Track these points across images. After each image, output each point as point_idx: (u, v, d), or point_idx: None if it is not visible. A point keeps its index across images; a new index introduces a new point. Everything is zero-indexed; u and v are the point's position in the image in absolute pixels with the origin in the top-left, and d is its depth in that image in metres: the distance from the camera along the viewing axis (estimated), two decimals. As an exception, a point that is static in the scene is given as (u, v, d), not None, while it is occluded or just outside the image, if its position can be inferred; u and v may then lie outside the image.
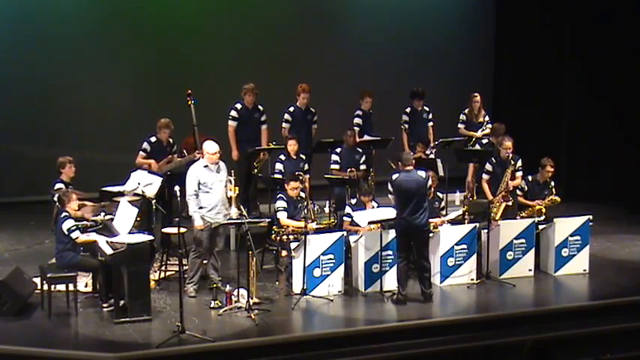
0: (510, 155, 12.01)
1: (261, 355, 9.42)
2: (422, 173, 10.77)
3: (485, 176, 12.29)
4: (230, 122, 13.01)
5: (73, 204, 10.28)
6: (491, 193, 12.03)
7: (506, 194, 11.82)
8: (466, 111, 14.03)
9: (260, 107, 13.12)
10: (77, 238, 10.09)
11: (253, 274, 10.38)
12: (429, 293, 10.65)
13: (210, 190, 10.57)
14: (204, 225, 10.56)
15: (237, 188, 11.28)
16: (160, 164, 12.22)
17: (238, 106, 13.04)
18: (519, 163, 12.11)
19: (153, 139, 12.33)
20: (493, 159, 12.26)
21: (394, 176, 10.73)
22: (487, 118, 14.03)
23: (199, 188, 10.56)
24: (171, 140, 12.43)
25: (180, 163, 12.30)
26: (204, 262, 10.81)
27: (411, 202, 10.50)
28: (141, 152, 12.30)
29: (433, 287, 10.96)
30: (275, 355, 9.46)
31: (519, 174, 12.09)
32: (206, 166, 10.61)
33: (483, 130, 13.86)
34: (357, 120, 13.53)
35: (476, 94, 14.05)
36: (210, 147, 10.64)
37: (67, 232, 10.04)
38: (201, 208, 10.56)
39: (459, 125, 13.99)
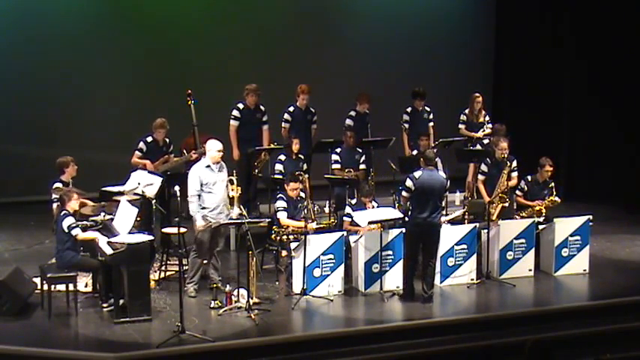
0: (506, 156, 12.02)
1: (261, 355, 9.41)
2: (442, 174, 10.79)
3: (480, 177, 12.31)
4: (232, 122, 13.02)
5: (74, 203, 10.27)
6: (487, 193, 12.04)
7: (503, 195, 11.82)
8: (466, 111, 14.02)
9: (262, 107, 13.13)
10: (77, 235, 10.08)
11: (253, 274, 10.37)
12: (430, 294, 10.64)
13: (212, 190, 10.56)
14: (206, 225, 10.55)
15: (239, 188, 11.26)
16: (155, 164, 12.22)
17: (240, 105, 13.05)
18: (514, 164, 12.12)
19: (149, 139, 12.35)
20: (488, 160, 12.28)
21: (417, 174, 10.61)
22: (487, 119, 14.03)
23: (201, 189, 10.55)
24: (167, 140, 12.43)
25: (176, 163, 12.31)
26: (205, 262, 10.81)
27: (431, 201, 10.49)
28: (137, 152, 12.31)
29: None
30: (275, 355, 9.46)
31: (515, 174, 12.10)
32: (208, 167, 10.60)
33: (484, 130, 13.86)
34: (348, 121, 13.49)
35: (477, 94, 14.04)
36: (216, 145, 10.61)
37: (67, 230, 10.03)
38: (203, 208, 10.55)
39: (460, 125, 13.99)
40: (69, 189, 10.64)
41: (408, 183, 10.61)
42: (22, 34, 14.49)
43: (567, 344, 10.01)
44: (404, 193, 10.69)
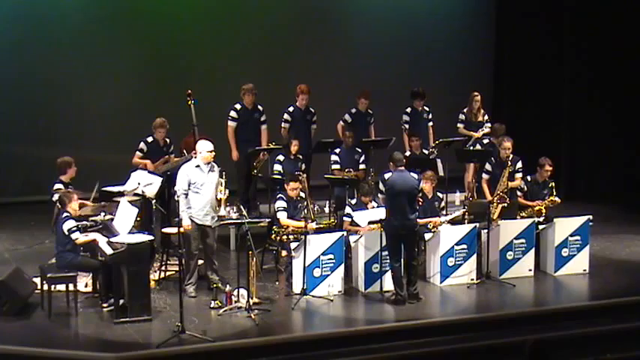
0: (510, 156, 12.02)
1: (261, 355, 9.41)
2: (414, 174, 10.70)
3: (485, 176, 12.32)
4: (229, 123, 13.03)
5: (74, 204, 10.27)
6: (491, 193, 12.04)
7: (502, 195, 11.82)
8: (465, 110, 14.03)
9: (260, 107, 13.13)
10: (77, 239, 10.08)
11: (253, 274, 10.37)
12: (413, 291, 10.59)
13: (199, 191, 10.55)
14: (192, 225, 10.54)
15: (227, 190, 11.23)
16: (156, 165, 12.23)
17: (238, 106, 13.05)
18: (519, 165, 12.12)
19: (150, 139, 12.35)
20: (493, 159, 12.29)
21: (386, 176, 10.63)
22: (486, 118, 14.03)
23: (189, 188, 10.54)
24: (167, 140, 12.44)
25: (176, 163, 12.29)
26: (200, 261, 10.80)
27: (404, 202, 10.45)
28: (137, 152, 12.31)
29: (433, 287, 10.99)
30: (275, 355, 9.46)
31: (519, 175, 12.10)
32: (197, 167, 10.59)
33: (483, 130, 13.86)
34: (346, 116, 13.55)
35: (476, 93, 14.04)
36: (206, 145, 10.62)
37: (67, 233, 10.03)
38: (189, 208, 10.55)
39: (459, 125, 13.99)
40: (69, 190, 10.64)
41: (380, 186, 10.69)
42: (22, 35, 14.50)
43: (567, 344, 10.01)
44: (380, 195, 10.74)
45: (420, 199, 11.13)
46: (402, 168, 10.64)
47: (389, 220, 10.53)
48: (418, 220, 10.74)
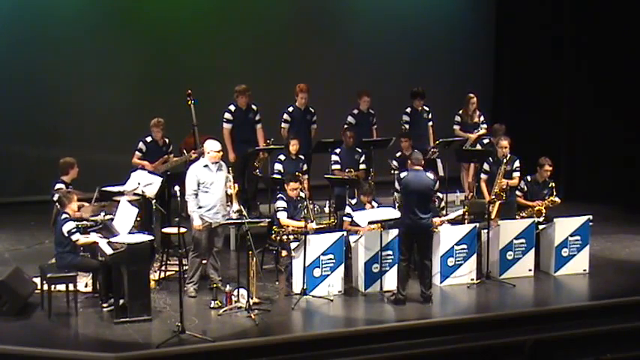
0: (507, 155, 12.02)
1: (261, 355, 9.42)
2: (430, 175, 10.74)
3: (483, 176, 12.32)
4: (225, 125, 12.99)
5: (74, 205, 10.27)
6: (489, 192, 12.04)
7: (501, 194, 11.81)
8: (460, 112, 14.00)
9: (254, 107, 13.10)
10: (77, 240, 10.08)
11: (253, 274, 10.38)
12: (429, 294, 10.64)
13: (209, 190, 10.57)
14: (203, 225, 10.55)
15: (236, 185, 11.26)
16: (155, 164, 12.22)
17: (232, 107, 13.02)
18: (517, 164, 12.11)
19: (148, 139, 12.36)
20: (490, 159, 12.29)
21: (402, 174, 10.73)
22: (482, 119, 14.01)
23: (198, 188, 10.55)
24: (166, 140, 12.44)
25: (176, 163, 12.31)
26: (204, 261, 10.82)
27: (418, 202, 10.48)
28: (137, 152, 12.32)
29: (433, 287, 10.97)
30: (275, 355, 9.47)
31: (517, 174, 12.09)
32: (206, 166, 10.61)
33: (479, 131, 13.84)
34: (349, 119, 13.53)
35: (472, 94, 14.01)
36: (214, 145, 10.63)
37: (67, 235, 10.02)
38: (200, 207, 10.56)
39: (455, 127, 13.95)
40: (68, 190, 10.64)
41: (396, 184, 10.70)
42: (22, 35, 14.50)
43: (567, 344, 10.02)
44: (395, 194, 10.76)
45: (436, 199, 11.16)
46: (419, 167, 10.67)
47: (402, 218, 10.59)
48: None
